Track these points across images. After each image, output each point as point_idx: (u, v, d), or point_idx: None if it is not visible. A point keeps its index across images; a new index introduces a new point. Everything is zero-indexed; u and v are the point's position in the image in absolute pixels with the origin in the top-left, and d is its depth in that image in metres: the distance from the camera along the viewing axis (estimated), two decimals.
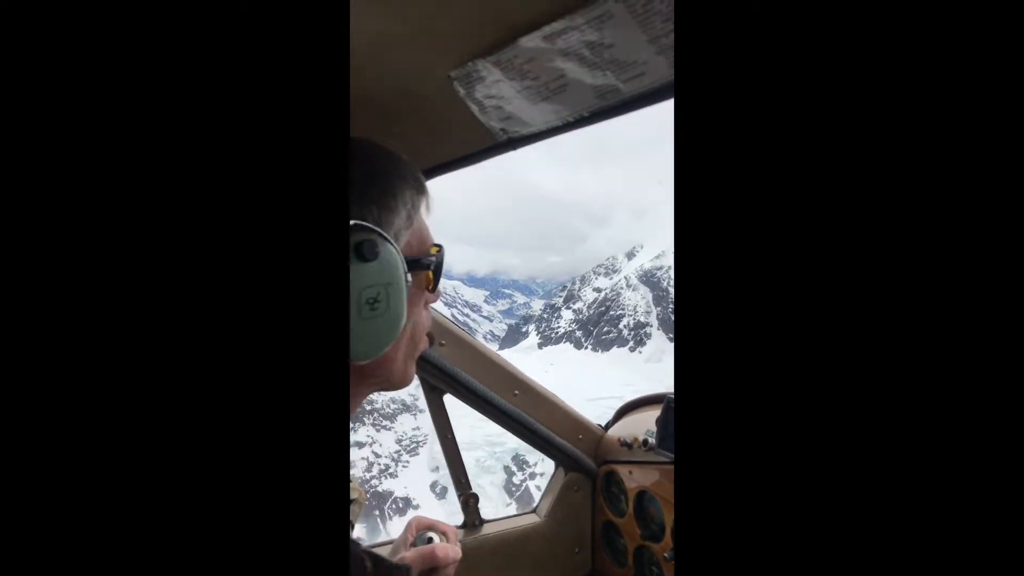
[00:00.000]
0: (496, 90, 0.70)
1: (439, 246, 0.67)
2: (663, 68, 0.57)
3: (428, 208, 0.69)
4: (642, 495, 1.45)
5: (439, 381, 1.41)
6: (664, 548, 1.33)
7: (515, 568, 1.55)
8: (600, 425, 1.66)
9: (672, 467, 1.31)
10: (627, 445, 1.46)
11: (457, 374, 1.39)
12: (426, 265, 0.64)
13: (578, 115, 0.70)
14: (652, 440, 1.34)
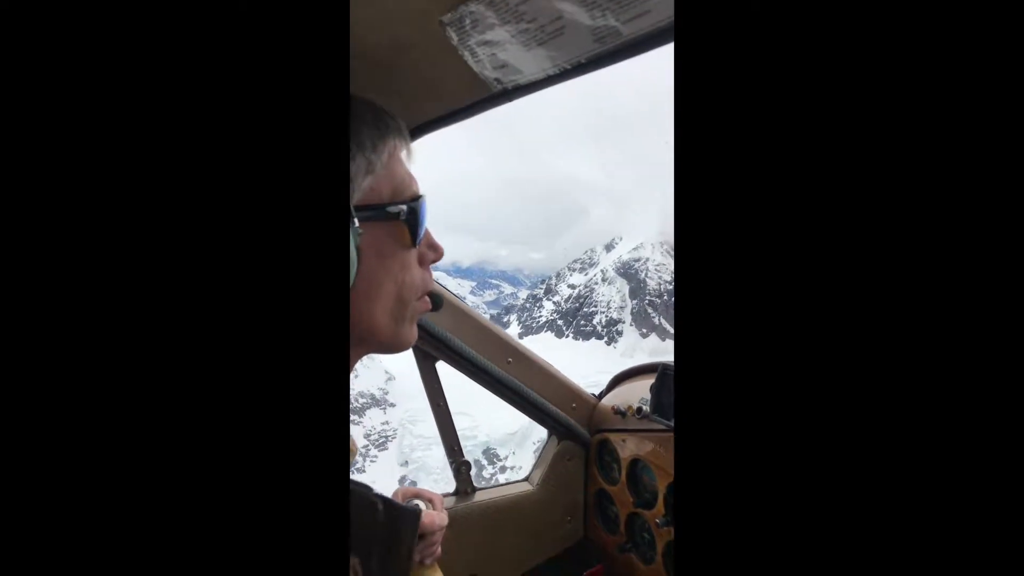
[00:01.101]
0: (490, 35, 0.67)
1: (419, 196, 0.62)
2: (667, 6, 0.55)
3: (408, 154, 0.65)
4: (635, 463, 1.45)
5: (432, 348, 1.40)
6: (656, 515, 1.33)
7: (507, 536, 1.56)
8: (594, 394, 1.66)
9: (666, 435, 1.31)
10: (621, 413, 1.46)
11: (450, 340, 1.38)
12: (393, 215, 0.59)
13: (575, 62, 0.67)
14: (646, 408, 1.33)
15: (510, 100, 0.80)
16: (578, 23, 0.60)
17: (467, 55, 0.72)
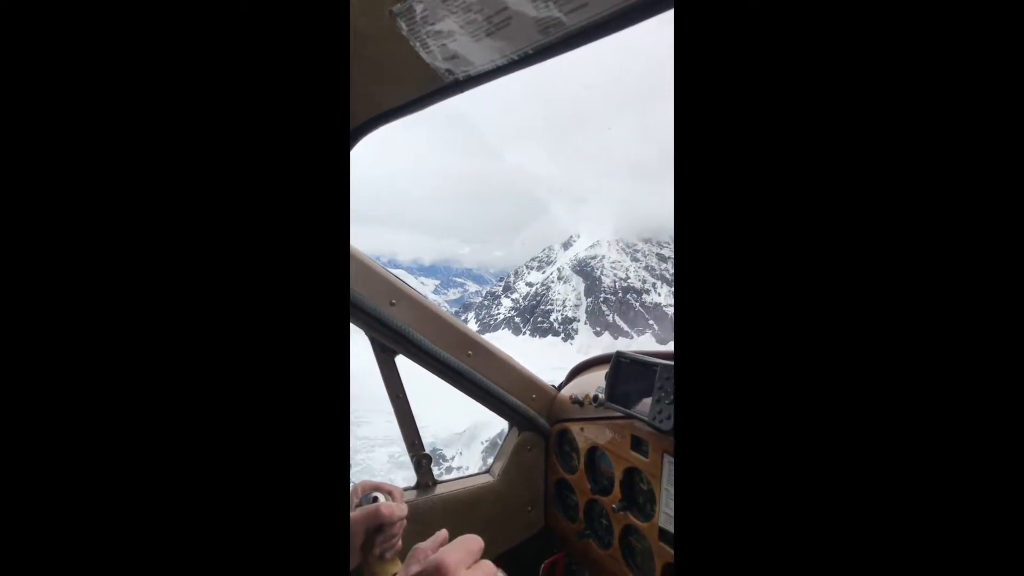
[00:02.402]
0: (440, 26, 0.69)
1: None
2: (603, 0, 0.57)
3: None
4: (593, 451, 1.48)
5: (391, 341, 1.40)
6: (612, 500, 1.37)
7: (469, 528, 1.56)
8: (554, 385, 1.69)
9: (622, 422, 1.34)
10: (578, 403, 1.49)
11: (409, 334, 1.38)
12: None
13: (523, 52, 0.69)
14: (602, 396, 1.36)
15: (462, 91, 0.81)
16: (523, 14, 0.63)
17: (418, 45, 0.73)
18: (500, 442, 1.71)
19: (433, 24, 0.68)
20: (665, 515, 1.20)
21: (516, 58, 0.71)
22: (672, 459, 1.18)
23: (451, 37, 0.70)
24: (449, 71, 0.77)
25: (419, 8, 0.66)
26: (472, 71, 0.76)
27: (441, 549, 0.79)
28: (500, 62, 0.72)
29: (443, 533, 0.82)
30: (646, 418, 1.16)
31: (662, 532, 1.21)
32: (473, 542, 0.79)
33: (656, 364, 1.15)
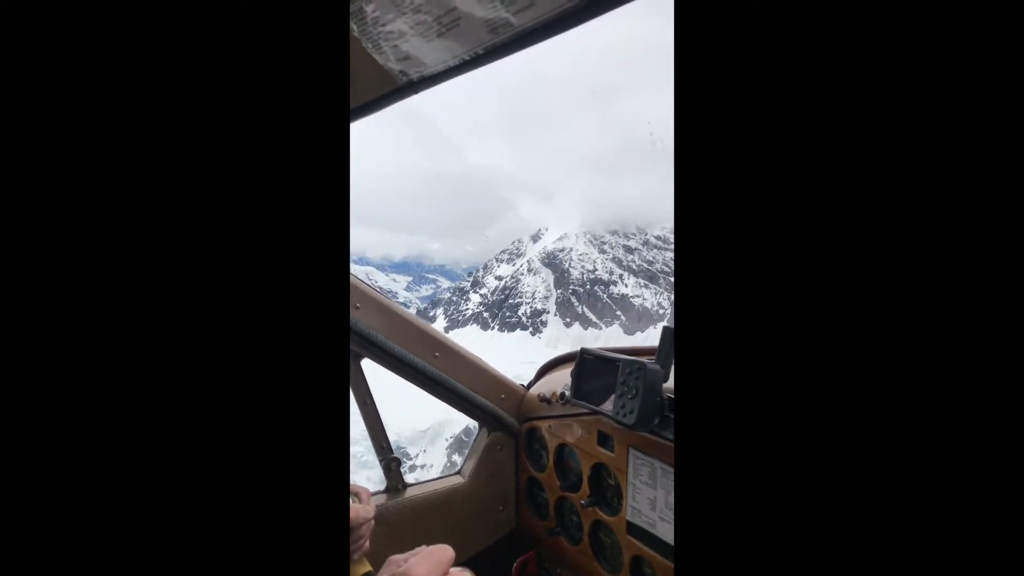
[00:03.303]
0: (391, 27, 0.69)
1: None
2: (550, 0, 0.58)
3: None
4: (562, 449, 1.49)
5: (356, 346, 1.39)
6: (581, 496, 1.38)
7: (440, 530, 1.57)
8: (523, 385, 1.70)
9: (588, 418, 1.36)
10: (546, 401, 1.50)
11: (375, 337, 1.37)
12: None
13: (473, 53, 0.70)
14: (568, 393, 1.38)
15: (416, 92, 0.82)
16: (472, 15, 0.63)
17: (370, 47, 0.73)
18: (465, 438, 1.72)
19: (384, 25, 0.69)
20: (632, 509, 1.22)
21: (468, 58, 0.72)
22: (637, 452, 1.20)
23: (403, 38, 0.70)
24: (403, 72, 0.77)
25: (370, 9, 0.67)
26: (425, 72, 0.76)
27: (410, 560, 0.78)
28: (452, 63, 0.73)
29: (421, 548, 0.82)
30: (610, 413, 1.17)
31: (629, 525, 1.22)
32: (443, 552, 0.78)
33: (618, 360, 1.17)
